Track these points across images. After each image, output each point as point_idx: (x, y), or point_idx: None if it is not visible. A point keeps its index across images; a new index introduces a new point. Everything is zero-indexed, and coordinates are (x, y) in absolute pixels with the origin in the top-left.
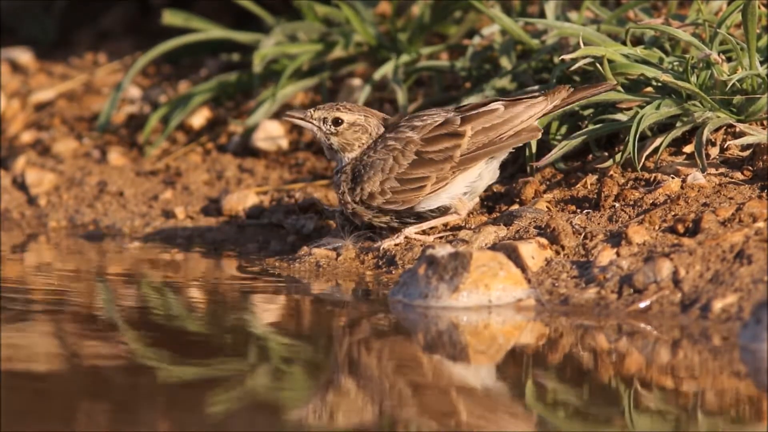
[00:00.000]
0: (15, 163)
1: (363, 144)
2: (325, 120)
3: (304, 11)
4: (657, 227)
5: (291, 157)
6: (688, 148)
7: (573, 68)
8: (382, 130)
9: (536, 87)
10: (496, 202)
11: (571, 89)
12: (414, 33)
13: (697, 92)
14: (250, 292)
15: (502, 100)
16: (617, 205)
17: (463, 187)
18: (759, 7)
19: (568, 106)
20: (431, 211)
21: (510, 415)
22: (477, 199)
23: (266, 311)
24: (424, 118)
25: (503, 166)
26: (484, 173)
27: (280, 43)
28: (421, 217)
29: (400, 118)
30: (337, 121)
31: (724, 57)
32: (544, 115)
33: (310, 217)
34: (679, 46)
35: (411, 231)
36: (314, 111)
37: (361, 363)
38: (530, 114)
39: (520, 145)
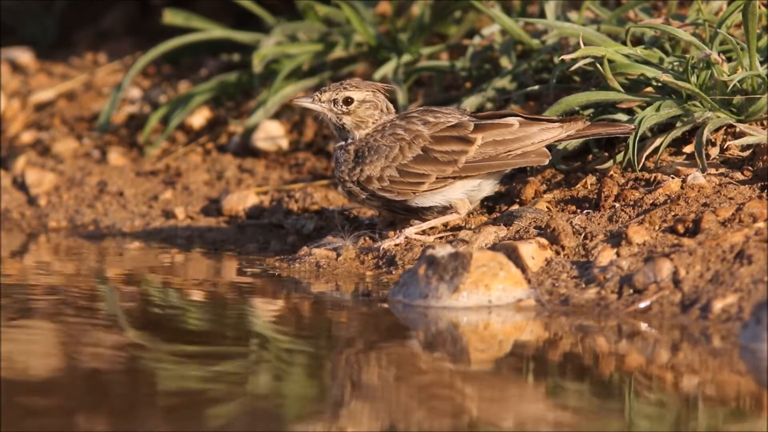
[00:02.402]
0: (15, 163)
1: (376, 120)
2: (335, 101)
3: (304, 11)
4: (657, 227)
5: (291, 157)
6: (688, 148)
7: (573, 68)
8: (391, 106)
9: (537, 87)
10: (496, 202)
11: (588, 123)
12: (414, 33)
13: (697, 92)
14: (250, 292)
15: (520, 116)
16: (617, 205)
17: (461, 193)
18: (759, 7)
19: (582, 138)
20: (424, 208)
21: (510, 414)
22: (477, 203)
23: (266, 312)
24: (438, 115)
25: None
26: (484, 185)
27: (280, 43)
28: (411, 212)
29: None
30: (347, 101)
31: (724, 57)
32: (556, 142)
33: (310, 217)
34: (679, 46)
35: (411, 231)
36: (321, 93)
37: (361, 363)
38: (543, 138)
39: (524, 166)
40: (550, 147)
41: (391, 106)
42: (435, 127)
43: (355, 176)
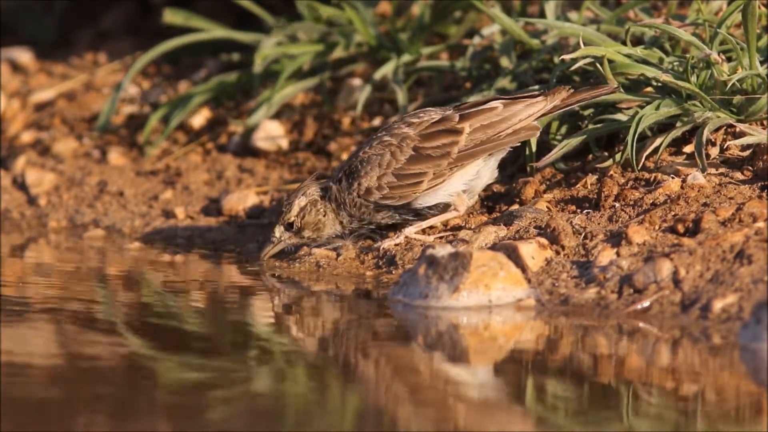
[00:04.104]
0: (15, 163)
1: (324, 211)
2: (287, 228)
3: (304, 11)
4: (657, 227)
5: (291, 157)
6: (688, 148)
7: (573, 68)
8: (329, 185)
9: (536, 87)
10: (496, 202)
11: (572, 90)
12: (414, 33)
13: (697, 92)
14: (250, 292)
15: (501, 99)
16: (617, 205)
17: (461, 185)
18: (759, 7)
19: (568, 107)
20: (429, 207)
21: (510, 415)
22: (477, 198)
23: (266, 311)
24: (421, 115)
25: (503, 166)
26: (483, 171)
27: (280, 44)
28: (418, 214)
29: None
30: (289, 226)
31: (724, 57)
32: (543, 115)
33: None
34: (679, 46)
35: (411, 231)
36: (275, 232)
37: (361, 363)
38: (529, 113)
39: (518, 144)
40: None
41: (321, 187)
42: (420, 126)
43: (354, 191)
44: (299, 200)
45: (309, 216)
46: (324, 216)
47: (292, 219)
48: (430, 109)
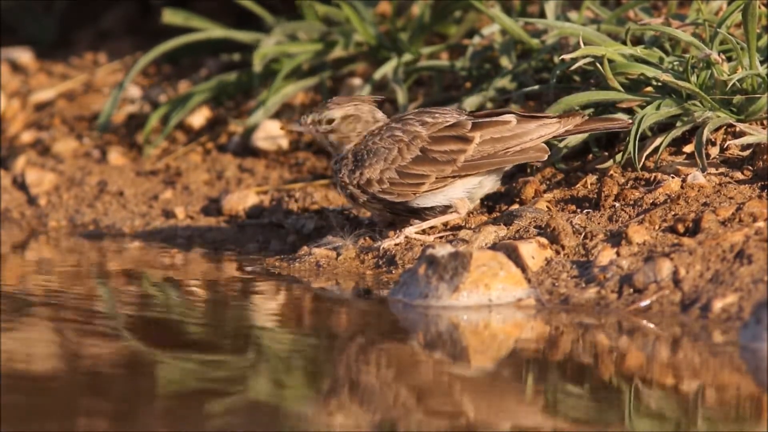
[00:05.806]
0: (15, 163)
1: (360, 132)
2: (319, 122)
3: (304, 11)
4: (657, 227)
5: (291, 156)
6: (688, 148)
7: (573, 68)
8: (379, 113)
9: (537, 87)
10: (496, 202)
11: (586, 117)
12: (414, 33)
13: (697, 92)
14: (250, 291)
15: (516, 114)
16: (617, 204)
17: (461, 192)
18: (759, 7)
19: (580, 133)
20: (426, 209)
21: (509, 415)
22: (477, 201)
23: (266, 311)
24: (436, 115)
25: None
26: (485, 182)
27: (280, 43)
28: (414, 213)
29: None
30: (329, 121)
31: (724, 57)
32: (554, 137)
33: (310, 217)
34: (679, 46)
35: (411, 231)
36: (307, 116)
37: (361, 363)
38: (541, 134)
39: (523, 162)
40: (549, 145)
41: (379, 113)
42: (433, 128)
43: (355, 179)
44: (348, 108)
45: (347, 126)
46: (353, 137)
47: (335, 117)
48: (446, 109)
